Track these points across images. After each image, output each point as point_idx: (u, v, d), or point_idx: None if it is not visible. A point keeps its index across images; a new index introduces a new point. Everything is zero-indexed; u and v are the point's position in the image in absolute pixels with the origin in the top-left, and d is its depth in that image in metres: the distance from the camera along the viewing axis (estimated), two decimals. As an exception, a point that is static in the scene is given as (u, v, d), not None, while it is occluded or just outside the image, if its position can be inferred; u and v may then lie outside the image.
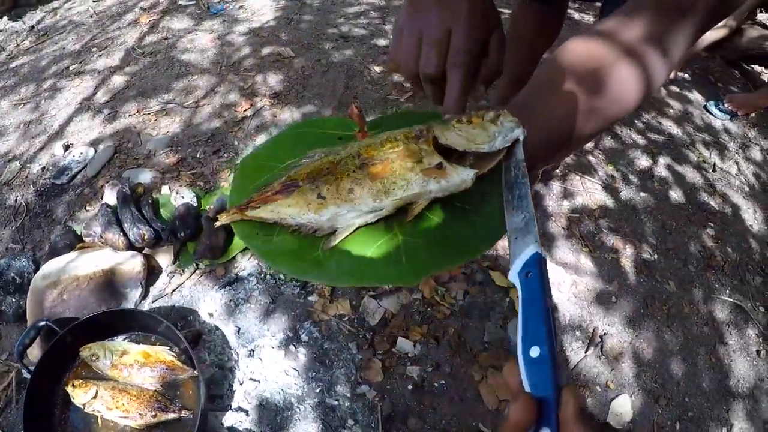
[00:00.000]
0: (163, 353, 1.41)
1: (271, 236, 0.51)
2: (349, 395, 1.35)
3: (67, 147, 2.22)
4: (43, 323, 1.44)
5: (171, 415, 1.33)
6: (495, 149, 0.50)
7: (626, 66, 0.60)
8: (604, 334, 1.51)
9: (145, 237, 1.64)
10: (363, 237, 0.49)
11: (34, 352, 1.51)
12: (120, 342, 1.46)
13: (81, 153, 2.14)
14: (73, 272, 1.56)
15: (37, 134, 2.35)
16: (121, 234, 1.66)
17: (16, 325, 1.69)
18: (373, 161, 0.49)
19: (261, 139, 2.13)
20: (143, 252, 1.69)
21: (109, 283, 1.60)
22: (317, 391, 1.38)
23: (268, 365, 1.46)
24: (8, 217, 2.01)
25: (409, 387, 1.35)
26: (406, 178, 0.47)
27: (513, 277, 0.46)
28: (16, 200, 2.07)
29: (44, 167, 2.17)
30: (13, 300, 1.64)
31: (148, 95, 2.44)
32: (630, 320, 1.60)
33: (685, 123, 2.52)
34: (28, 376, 1.56)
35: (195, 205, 1.79)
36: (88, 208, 1.95)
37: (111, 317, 1.47)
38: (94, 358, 1.42)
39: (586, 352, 1.46)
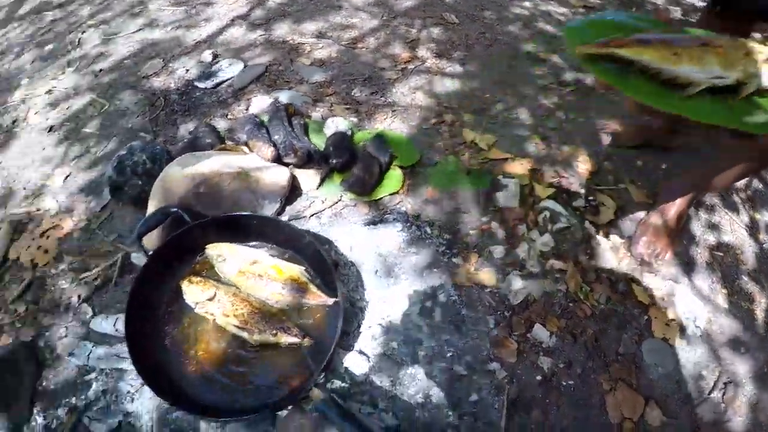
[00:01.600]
0: (299, 273, 1.23)
1: (626, 76, 0.57)
2: (478, 369, 1.24)
3: (215, 56, 2.11)
4: (174, 210, 1.28)
5: (292, 339, 1.15)
6: None
7: None
8: (729, 381, 1.30)
9: (298, 152, 1.47)
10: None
11: (151, 239, 1.35)
12: (253, 249, 1.28)
13: (230, 63, 2.02)
14: (215, 168, 1.40)
15: (186, 37, 2.27)
16: (271, 144, 1.50)
17: (132, 210, 1.56)
18: (713, 44, 0.56)
19: (421, 91, 1.94)
20: (289, 167, 1.52)
21: (249, 189, 1.43)
22: (447, 355, 1.25)
23: (399, 315, 1.31)
24: (143, 107, 1.91)
25: (538, 378, 1.25)
26: (745, 63, 0.54)
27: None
28: (153, 93, 1.96)
29: (188, 69, 2.07)
30: (139, 183, 1.50)
31: (304, 25, 2.31)
32: (754, 375, 1.35)
33: None
34: (139, 262, 1.42)
35: (350, 134, 1.62)
36: (230, 116, 1.81)
37: (250, 221, 1.30)
38: (220, 259, 1.25)
39: (709, 394, 1.28)
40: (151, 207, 1.41)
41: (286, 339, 1.14)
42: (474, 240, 1.48)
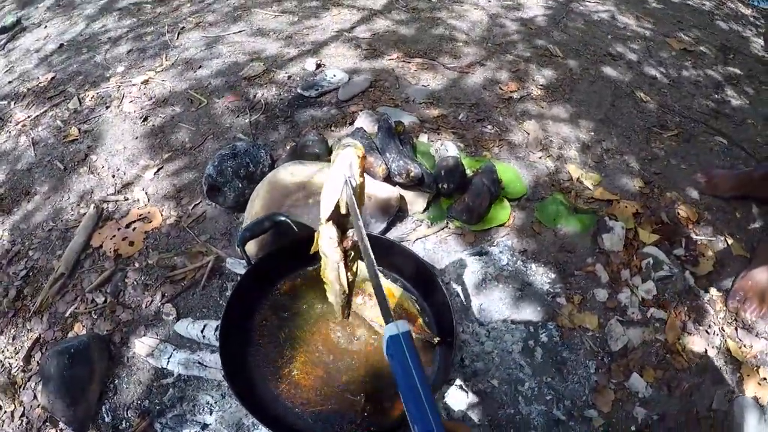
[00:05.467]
0: (409, 302, 1.16)
1: None
2: (575, 414, 1.20)
3: (318, 65, 2.10)
4: (283, 218, 1.22)
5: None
6: None
7: None
8: None
9: (411, 174, 1.41)
10: None
11: (251, 246, 1.30)
12: (363, 266, 1.21)
13: (335, 75, 2.00)
14: (323, 179, 1.34)
15: (289, 45, 2.29)
16: (383, 162, 1.45)
17: (225, 212, 1.52)
18: None
19: (527, 122, 1.88)
20: (398, 186, 1.47)
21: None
22: (547, 398, 1.21)
23: (502, 350, 1.27)
24: (243, 109, 1.89)
25: (633, 429, 1.20)
26: None
27: (386, 355, 0.62)
28: (254, 96, 1.96)
29: (290, 76, 2.06)
30: (239, 186, 1.47)
31: (410, 45, 2.30)
32: None
33: None
34: (233, 268, 1.37)
35: (460, 161, 1.55)
36: (333, 128, 1.78)
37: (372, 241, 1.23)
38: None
39: None
40: (253, 212, 1.36)
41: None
42: (578, 281, 1.40)
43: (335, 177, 0.74)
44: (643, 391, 1.25)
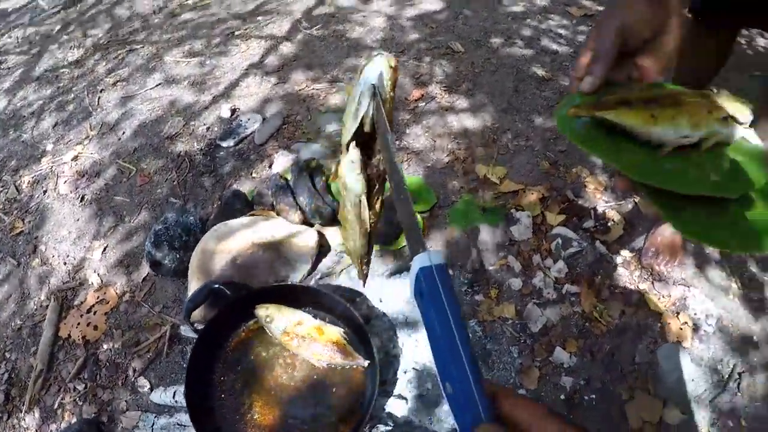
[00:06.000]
0: (338, 334, 1.35)
1: (615, 143, 0.58)
2: None
3: (233, 111, 2.23)
4: (216, 286, 1.40)
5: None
6: (745, 123, 0.59)
7: None
8: (742, 371, 1.42)
9: (323, 214, 1.58)
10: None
11: (195, 312, 1.48)
12: (297, 311, 1.40)
13: (249, 119, 2.14)
14: (249, 239, 1.52)
15: (203, 92, 2.40)
16: (296, 208, 1.62)
17: (171, 280, 1.69)
18: (681, 103, 0.58)
19: (433, 129, 2.04)
20: (316, 227, 1.64)
21: (281, 254, 1.54)
22: None
23: (431, 358, 1.37)
24: (170, 171, 2.03)
25: (562, 397, 1.37)
26: (707, 120, 0.57)
27: (411, 298, 0.47)
28: (179, 155, 2.09)
29: (209, 127, 2.19)
30: (177, 256, 1.63)
31: (317, 69, 2.43)
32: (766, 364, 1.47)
33: None
34: (187, 333, 1.55)
35: (372, 189, 1.72)
36: (254, 174, 1.93)
37: (288, 290, 1.42)
38: (268, 320, 1.38)
39: (724, 387, 1.40)
40: (192, 281, 1.53)
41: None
42: (493, 275, 1.59)
43: (361, 88, 0.62)
44: (568, 362, 1.42)
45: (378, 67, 0.64)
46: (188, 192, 1.94)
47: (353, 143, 0.64)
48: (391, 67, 0.64)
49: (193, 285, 1.52)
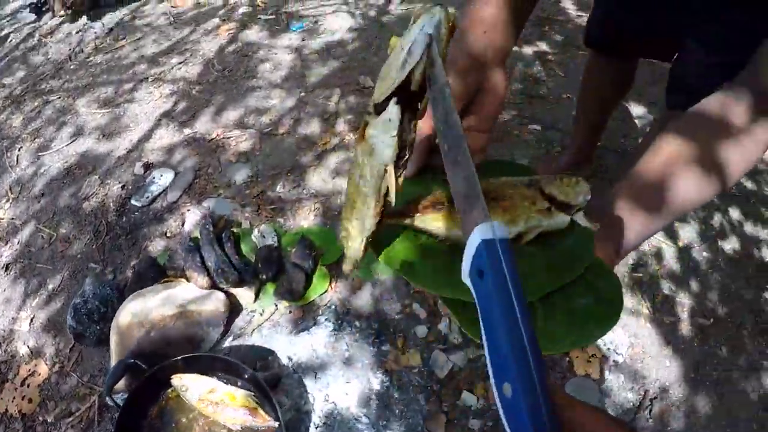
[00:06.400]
0: (248, 399, 1.49)
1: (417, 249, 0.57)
2: None
3: (147, 166, 2.32)
4: (130, 361, 1.53)
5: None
6: (577, 206, 0.57)
7: (737, 151, 0.63)
8: (654, 397, 1.55)
9: (229, 279, 1.72)
10: None
11: (120, 384, 1.61)
12: (210, 378, 1.54)
13: (161, 174, 2.24)
14: (159, 311, 1.65)
15: (118, 147, 2.47)
16: (204, 272, 1.75)
17: (97, 350, 1.80)
18: (501, 198, 0.56)
19: (340, 173, 2.18)
20: (225, 289, 1.77)
21: (193, 321, 1.68)
22: None
23: (341, 410, 1.54)
24: (89, 235, 2.13)
25: None
26: (527, 213, 0.55)
27: (465, 278, 0.39)
28: (96, 217, 2.18)
29: (124, 185, 2.28)
30: (97, 328, 1.74)
31: (228, 115, 2.53)
32: (680, 385, 1.62)
33: (753, 173, 2.39)
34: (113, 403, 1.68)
35: (276, 245, 1.86)
36: (168, 234, 2.05)
37: (197, 361, 1.55)
38: (183, 389, 1.51)
39: (635, 415, 1.50)
40: (113, 354, 1.66)
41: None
42: (399, 324, 1.73)
43: (414, 36, 0.50)
44: (476, 404, 1.50)
45: (436, 17, 0.52)
46: (106, 256, 2.04)
47: (394, 99, 0.52)
48: (450, 23, 0.53)
49: (114, 358, 1.64)
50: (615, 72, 1.76)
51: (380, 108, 0.51)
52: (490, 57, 0.60)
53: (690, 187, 0.63)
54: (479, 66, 0.60)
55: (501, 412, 0.33)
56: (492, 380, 0.34)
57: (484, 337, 0.36)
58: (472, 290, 0.37)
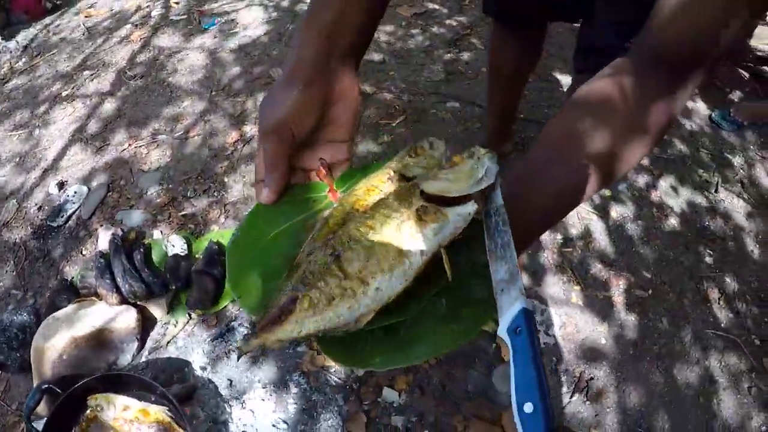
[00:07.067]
0: (162, 413, 1.55)
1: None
2: None
3: (61, 185, 2.33)
4: (45, 386, 1.58)
5: None
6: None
7: (630, 135, 0.59)
8: (591, 378, 1.58)
9: (137, 294, 1.76)
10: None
11: (41, 407, 1.66)
12: (123, 397, 1.59)
13: (75, 192, 2.25)
14: (70, 333, 1.69)
15: (32, 168, 2.47)
16: (114, 289, 1.78)
17: (22, 376, 1.85)
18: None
19: (248, 176, 2.21)
20: (137, 303, 1.81)
21: (106, 339, 1.73)
22: None
23: (259, 417, 1.56)
24: (9, 261, 2.15)
25: None
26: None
27: (502, 333, 0.47)
28: (15, 243, 2.20)
29: (40, 206, 2.30)
30: (18, 355, 1.79)
31: (139, 124, 2.53)
32: (618, 362, 1.65)
33: (687, 136, 2.52)
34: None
35: (185, 254, 1.90)
36: (84, 252, 2.08)
37: (112, 379, 1.60)
38: (99, 408, 1.56)
39: (571, 397, 1.54)
40: (34, 378, 1.70)
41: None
42: None
43: (486, 164, 0.51)
44: (398, 400, 1.49)
45: (495, 157, 0.53)
46: (26, 281, 2.07)
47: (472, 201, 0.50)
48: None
49: (36, 383, 1.69)
50: (521, 42, 1.68)
51: (449, 199, 0.50)
52: (332, 66, 0.58)
53: (581, 170, 0.57)
54: (320, 76, 0.57)
55: (519, 425, 0.41)
56: (514, 399, 0.43)
57: (512, 367, 0.45)
58: (508, 341, 0.46)
